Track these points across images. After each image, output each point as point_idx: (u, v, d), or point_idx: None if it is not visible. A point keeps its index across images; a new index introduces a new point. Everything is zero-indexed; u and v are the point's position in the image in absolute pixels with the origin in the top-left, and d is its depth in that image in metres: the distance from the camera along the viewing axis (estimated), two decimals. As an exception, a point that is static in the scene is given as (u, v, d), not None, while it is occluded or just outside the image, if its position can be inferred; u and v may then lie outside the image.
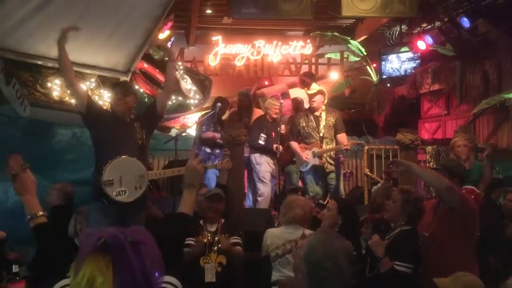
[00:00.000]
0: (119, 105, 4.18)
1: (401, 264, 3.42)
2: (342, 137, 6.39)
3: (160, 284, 1.51)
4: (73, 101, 5.65)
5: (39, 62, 5.50)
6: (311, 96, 6.50)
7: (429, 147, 7.50)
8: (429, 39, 8.76)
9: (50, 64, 5.54)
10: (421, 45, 8.86)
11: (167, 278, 1.66)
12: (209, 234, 4.42)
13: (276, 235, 4.25)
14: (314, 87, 6.60)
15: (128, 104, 4.20)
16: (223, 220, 4.56)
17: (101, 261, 1.42)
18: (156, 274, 1.47)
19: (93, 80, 5.91)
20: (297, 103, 7.99)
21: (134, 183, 3.89)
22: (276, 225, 5.62)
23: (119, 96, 4.19)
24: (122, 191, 3.81)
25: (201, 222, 4.55)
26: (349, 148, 6.25)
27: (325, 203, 5.46)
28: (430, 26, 8.99)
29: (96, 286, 1.40)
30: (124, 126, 4.15)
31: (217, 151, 6.71)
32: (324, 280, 2.00)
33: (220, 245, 4.35)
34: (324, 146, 6.31)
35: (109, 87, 4.36)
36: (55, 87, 5.57)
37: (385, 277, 3.43)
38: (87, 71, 5.83)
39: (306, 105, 7.29)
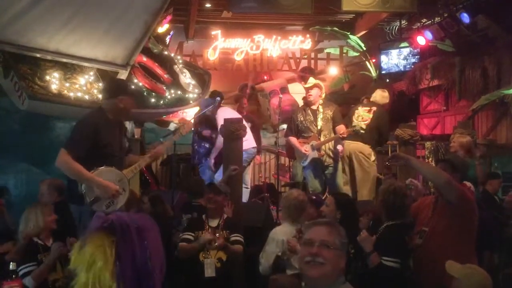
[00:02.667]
0: (129, 112, 4.13)
1: (388, 259, 3.47)
2: (341, 128, 6.37)
3: (159, 279, 1.53)
4: (71, 94, 5.64)
5: (38, 55, 5.47)
6: (307, 90, 6.49)
7: (428, 142, 7.51)
8: (428, 35, 8.75)
9: (49, 57, 5.52)
10: (421, 40, 8.85)
11: None
12: (210, 229, 4.42)
13: (288, 233, 4.20)
14: (311, 81, 6.58)
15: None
16: (225, 216, 4.55)
17: (105, 241, 1.45)
18: (157, 264, 1.49)
19: (91, 73, 5.89)
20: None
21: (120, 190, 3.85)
22: (275, 220, 5.63)
23: (131, 101, 4.13)
24: (110, 202, 3.78)
25: (203, 216, 4.54)
26: (345, 135, 6.21)
27: (323, 197, 5.45)
28: (429, 22, 8.98)
29: (97, 265, 1.43)
30: (115, 128, 4.04)
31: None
32: None
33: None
34: (322, 139, 6.29)
35: (125, 88, 4.18)
36: (54, 80, 5.54)
37: (374, 272, 3.47)
38: (86, 64, 5.81)
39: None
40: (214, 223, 4.47)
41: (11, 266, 3.42)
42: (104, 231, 1.47)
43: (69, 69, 5.72)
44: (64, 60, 5.63)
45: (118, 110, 3.96)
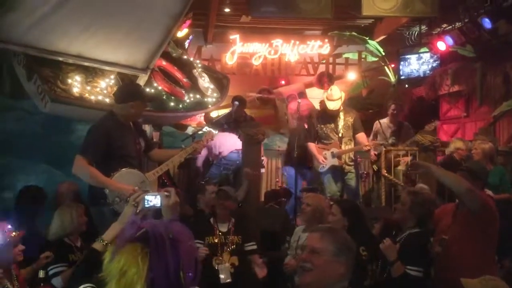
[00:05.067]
0: (139, 115, 4.15)
1: (412, 268, 3.42)
2: (361, 136, 6.36)
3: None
4: (92, 97, 5.71)
5: (60, 59, 5.54)
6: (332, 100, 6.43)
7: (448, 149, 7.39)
8: (449, 40, 8.66)
9: (70, 61, 5.59)
10: (441, 45, 8.77)
11: None
12: (220, 234, 4.41)
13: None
14: (335, 92, 6.45)
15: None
16: (233, 220, 4.53)
17: (138, 251, 1.42)
18: (189, 275, 1.47)
19: (112, 77, 5.95)
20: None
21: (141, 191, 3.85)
22: (294, 224, 5.61)
23: (144, 106, 4.15)
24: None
25: (211, 220, 4.53)
26: (370, 148, 6.20)
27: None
28: (450, 27, 8.88)
29: (129, 276, 1.40)
30: (129, 130, 4.08)
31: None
32: None
33: (232, 246, 4.33)
34: (343, 147, 6.27)
35: (137, 93, 4.25)
36: (75, 84, 5.61)
37: (397, 281, 3.43)
38: (107, 68, 5.86)
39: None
40: (224, 227, 4.45)
41: (40, 274, 3.43)
42: (138, 241, 1.44)
43: (90, 72, 5.79)
44: (86, 63, 5.70)
45: (129, 114, 4.02)
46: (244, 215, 4.90)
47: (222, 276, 4.23)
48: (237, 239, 4.40)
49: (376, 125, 7.26)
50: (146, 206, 2.19)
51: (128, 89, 4.43)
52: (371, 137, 7.12)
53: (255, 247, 4.46)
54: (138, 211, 2.16)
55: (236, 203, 4.63)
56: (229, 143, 6.75)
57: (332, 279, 2.09)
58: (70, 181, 4.90)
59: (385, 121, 7.22)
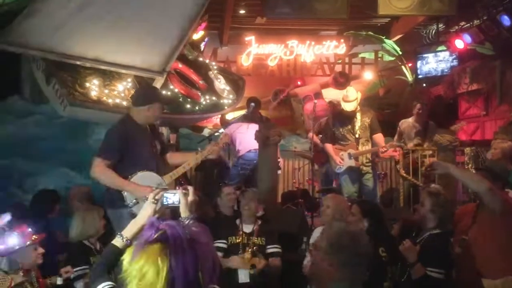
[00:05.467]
0: (156, 118, 4.18)
1: (433, 270, 3.37)
2: (379, 137, 6.30)
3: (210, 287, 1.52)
4: (110, 100, 5.77)
5: (78, 63, 5.62)
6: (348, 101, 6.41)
7: (467, 148, 7.30)
8: (467, 38, 8.53)
9: (88, 65, 5.67)
10: (459, 44, 8.65)
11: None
12: (244, 234, 4.41)
13: None
14: (351, 94, 6.43)
15: None
16: (260, 222, 4.53)
17: (157, 252, 1.44)
18: (207, 276, 1.47)
19: (129, 80, 6.01)
20: (333, 106, 7.90)
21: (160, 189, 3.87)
22: (310, 226, 5.59)
23: (161, 109, 4.18)
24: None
25: (237, 221, 4.54)
26: (386, 149, 6.14)
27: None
28: (468, 25, 8.75)
29: (149, 276, 1.42)
30: (145, 133, 4.08)
31: None
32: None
33: (255, 248, 4.32)
34: (360, 147, 6.23)
35: (154, 96, 4.28)
36: (93, 87, 5.69)
37: (418, 283, 3.38)
38: (124, 71, 5.93)
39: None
40: (248, 228, 4.45)
41: (58, 281, 3.47)
42: (157, 242, 1.46)
43: (108, 76, 5.86)
44: (103, 67, 5.77)
45: (147, 117, 4.04)
46: (269, 218, 4.90)
47: (240, 277, 4.23)
48: (260, 241, 4.38)
49: (402, 125, 7.16)
50: (165, 203, 2.20)
51: (145, 92, 4.46)
52: (395, 137, 7.06)
53: (278, 250, 4.45)
54: (157, 208, 2.17)
55: (259, 205, 4.61)
56: (247, 142, 6.73)
57: (324, 277, 2.09)
58: (81, 185, 4.95)
59: (410, 120, 7.12)
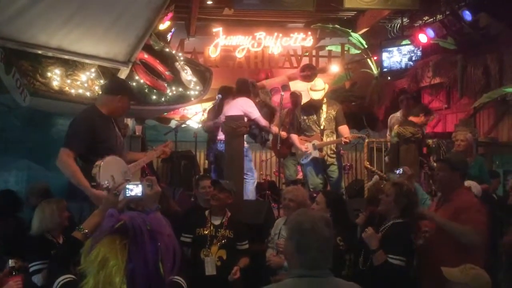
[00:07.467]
0: (124, 111, 4.14)
1: (394, 257, 3.46)
2: (344, 129, 6.40)
3: (171, 278, 1.51)
4: (72, 90, 5.63)
5: (39, 52, 5.46)
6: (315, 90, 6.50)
7: (429, 140, 7.50)
8: (430, 32, 8.73)
9: (50, 54, 5.51)
10: (422, 38, 8.83)
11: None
12: (212, 227, 4.40)
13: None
14: (319, 83, 6.53)
15: None
16: (229, 214, 4.51)
17: (117, 243, 1.43)
18: (168, 267, 1.47)
19: (93, 70, 5.88)
20: (295, 97, 7.96)
21: (122, 180, 3.84)
22: (276, 217, 5.63)
23: (129, 103, 4.13)
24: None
25: (206, 213, 4.53)
26: (349, 141, 6.24)
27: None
28: (431, 19, 8.95)
29: (108, 267, 1.41)
30: (111, 125, 4.05)
31: None
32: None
33: (223, 241, 4.32)
34: (324, 139, 6.31)
35: (126, 88, 4.24)
36: (55, 77, 5.53)
37: (379, 269, 3.47)
38: (88, 61, 5.79)
39: (305, 98, 7.29)
40: (217, 220, 4.45)
41: (10, 263, 3.39)
42: (116, 233, 1.45)
43: (70, 65, 5.71)
44: (66, 57, 5.62)
45: (114, 107, 4.00)
46: (239, 211, 4.90)
47: (207, 269, 4.23)
48: (229, 233, 4.37)
49: (391, 119, 7.38)
50: (127, 195, 2.18)
51: (119, 82, 4.41)
52: (387, 132, 7.27)
53: (247, 246, 4.47)
54: (119, 200, 2.15)
55: (232, 197, 4.58)
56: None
57: (287, 260, 2.19)
58: (33, 183, 4.85)
59: (398, 114, 7.34)
